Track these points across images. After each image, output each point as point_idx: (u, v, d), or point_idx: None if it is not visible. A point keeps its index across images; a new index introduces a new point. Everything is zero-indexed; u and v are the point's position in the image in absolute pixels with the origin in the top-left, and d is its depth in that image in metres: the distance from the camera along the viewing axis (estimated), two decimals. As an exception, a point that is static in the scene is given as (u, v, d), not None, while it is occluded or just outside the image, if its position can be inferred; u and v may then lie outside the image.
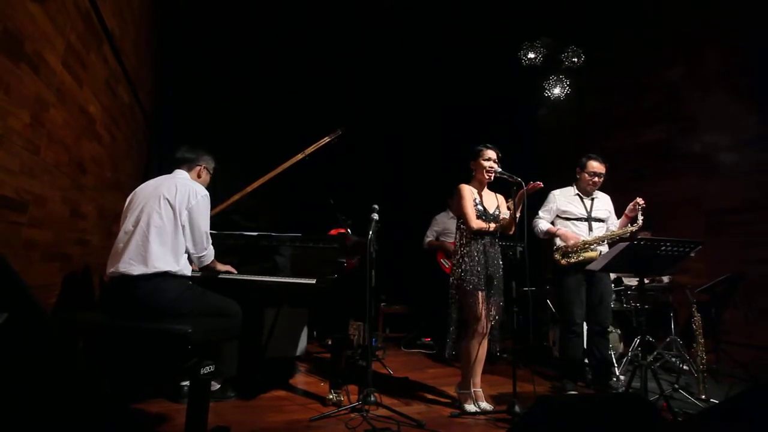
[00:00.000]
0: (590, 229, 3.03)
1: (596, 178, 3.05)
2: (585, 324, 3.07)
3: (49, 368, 1.22)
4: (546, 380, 3.38)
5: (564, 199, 3.12)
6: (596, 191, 3.14)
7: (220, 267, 2.55)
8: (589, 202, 3.10)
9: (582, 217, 3.06)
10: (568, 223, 3.08)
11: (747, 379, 3.16)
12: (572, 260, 2.94)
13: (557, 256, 3.01)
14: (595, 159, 3.07)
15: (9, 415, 1.09)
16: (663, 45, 4.50)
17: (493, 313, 2.59)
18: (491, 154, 2.67)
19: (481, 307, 2.53)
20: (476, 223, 2.59)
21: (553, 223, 3.15)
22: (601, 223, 3.08)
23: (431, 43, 5.00)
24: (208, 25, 4.38)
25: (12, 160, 1.68)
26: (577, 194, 3.12)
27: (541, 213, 3.17)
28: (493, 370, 3.43)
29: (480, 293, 2.54)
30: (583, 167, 3.08)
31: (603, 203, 3.14)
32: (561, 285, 3.05)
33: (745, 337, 3.57)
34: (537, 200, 3.65)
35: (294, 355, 3.67)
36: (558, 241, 3.03)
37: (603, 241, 2.95)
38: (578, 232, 3.03)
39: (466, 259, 2.59)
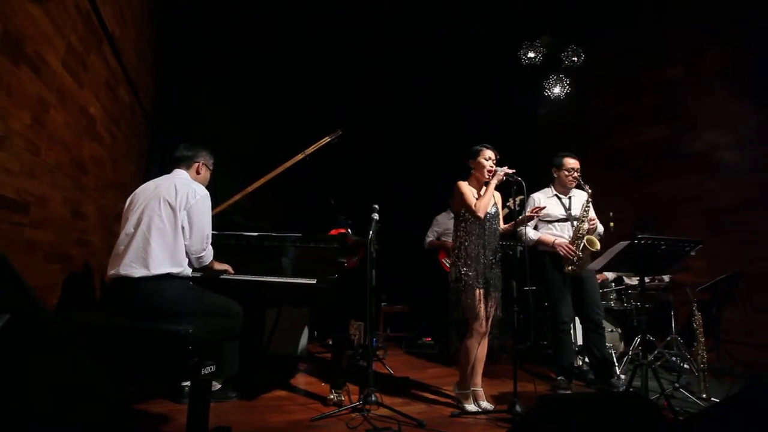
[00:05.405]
0: (572, 228, 3.01)
1: (575, 174, 3.06)
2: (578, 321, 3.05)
3: (51, 369, 1.22)
4: (547, 380, 3.38)
5: (544, 201, 3.08)
6: (573, 190, 3.14)
7: (218, 266, 2.54)
8: (567, 201, 3.09)
9: (562, 217, 3.05)
10: (549, 225, 3.06)
11: (747, 377, 3.17)
12: (577, 263, 2.89)
13: (567, 266, 2.92)
14: (569, 156, 3.11)
15: (11, 415, 1.09)
16: (663, 45, 4.50)
17: (492, 310, 2.57)
18: (490, 153, 2.66)
19: (480, 305, 2.52)
20: (482, 210, 2.54)
21: (536, 227, 3.12)
22: None
23: (431, 42, 4.99)
24: (208, 24, 4.38)
25: (13, 161, 1.68)
26: (555, 195, 3.12)
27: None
28: (493, 369, 3.43)
29: (478, 290, 2.52)
30: (560, 166, 3.10)
31: (580, 201, 3.09)
32: (545, 284, 3.05)
33: (746, 335, 3.57)
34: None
35: (295, 355, 3.67)
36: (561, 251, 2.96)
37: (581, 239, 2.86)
38: (560, 234, 3.02)
39: (463, 254, 2.58)
